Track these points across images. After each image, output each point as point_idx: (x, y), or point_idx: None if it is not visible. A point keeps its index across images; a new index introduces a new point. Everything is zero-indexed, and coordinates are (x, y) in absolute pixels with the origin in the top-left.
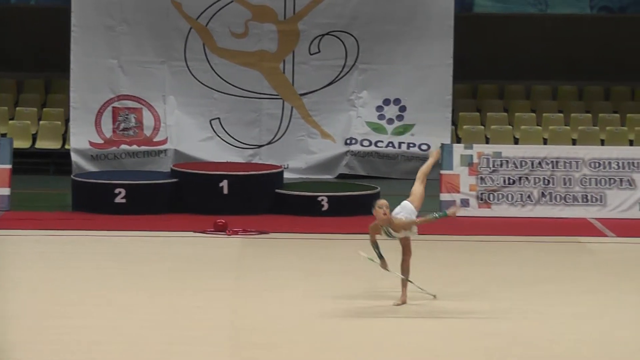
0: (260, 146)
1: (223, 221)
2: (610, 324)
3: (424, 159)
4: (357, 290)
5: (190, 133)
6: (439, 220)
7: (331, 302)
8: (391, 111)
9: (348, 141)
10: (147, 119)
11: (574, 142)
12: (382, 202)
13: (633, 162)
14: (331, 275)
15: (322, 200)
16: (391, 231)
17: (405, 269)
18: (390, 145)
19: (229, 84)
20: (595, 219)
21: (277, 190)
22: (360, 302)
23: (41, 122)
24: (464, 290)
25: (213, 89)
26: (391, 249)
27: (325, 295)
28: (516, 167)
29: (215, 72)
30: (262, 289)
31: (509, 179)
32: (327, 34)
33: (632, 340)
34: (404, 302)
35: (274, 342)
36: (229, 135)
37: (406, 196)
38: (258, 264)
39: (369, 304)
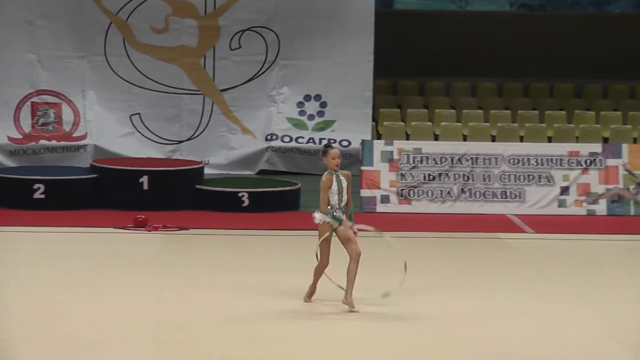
0: (180, 142)
1: (143, 217)
2: (533, 320)
3: (345, 155)
4: (279, 287)
5: (110, 128)
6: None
7: (253, 298)
8: (312, 107)
9: (269, 137)
10: (67, 114)
11: (493, 139)
12: (335, 152)
13: (552, 159)
14: (252, 272)
15: (243, 196)
16: (342, 181)
17: (351, 275)
18: (311, 141)
19: (149, 79)
20: (514, 215)
21: (197, 186)
22: (281, 298)
23: None
24: (384, 288)
25: (133, 84)
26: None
27: (247, 291)
28: (436, 163)
29: (136, 67)
30: (183, 285)
31: (429, 175)
32: (248, 29)
33: (556, 335)
34: (349, 304)
35: (196, 338)
36: (149, 130)
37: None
38: (179, 260)
39: (290, 301)
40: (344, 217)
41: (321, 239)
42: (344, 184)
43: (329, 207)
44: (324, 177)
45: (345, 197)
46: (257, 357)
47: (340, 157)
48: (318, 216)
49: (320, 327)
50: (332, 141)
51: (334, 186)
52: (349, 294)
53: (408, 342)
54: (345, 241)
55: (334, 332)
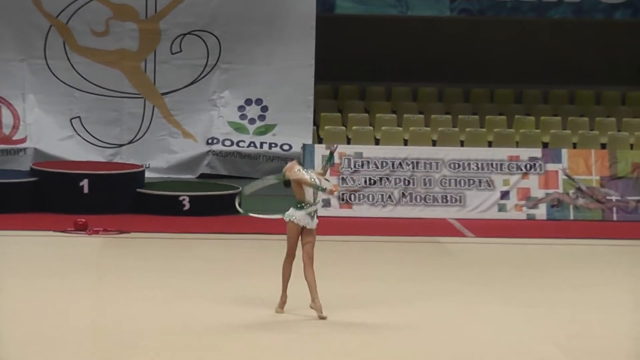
0: (121, 145)
1: (83, 220)
2: (472, 323)
3: (286, 159)
4: (219, 290)
5: (51, 132)
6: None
7: (192, 302)
8: (253, 111)
9: (210, 141)
10: (6, 117)
11: (434, 143)
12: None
13: (492, 163)
14: (193, 275)
15: (184, 199)
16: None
17: (310, 280)
18: (252, 145)
19: (90, 82)
20: (455, 219)
21: (138, 190)
22: (221, 302)
23: None
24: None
25: (73, 87)
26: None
27: (187, 295)
28: (377, 167)
29: (76, 71)
30: (123, 289)
31: (369, 179)
32: (189, 33)
33: (495, 339)
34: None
35: (135, 342)
36: (90, 134)
37: (267, 196)
38: (119, 263)
39: (231, 305)
40: (325, 186)
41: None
42: (317, 182)
43: (305, 204)
44: (296, 173)
45: (319, 196)
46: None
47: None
48: (289, 212)
49: (262, 329)
50: (272, 145)
51: (306, 175)
52: (316, 299)
53: (336, 347)
54: (305, 243)
55: (275, 335)
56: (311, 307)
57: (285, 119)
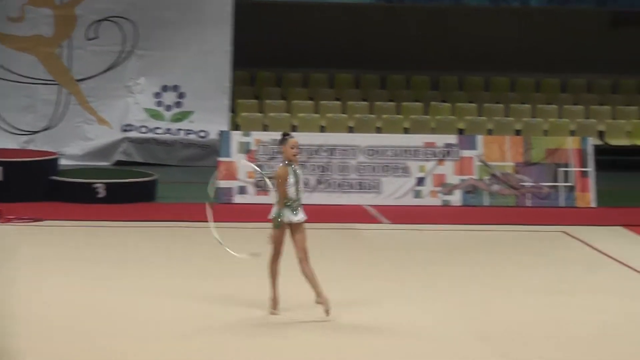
0: (35, 132)
1: None
2: (386, 309)
3: (202, 145)
4: (136, 277)
5: None
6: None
7: (111, 290)
8: (169, 98)
9: (125, 128)
10: None
11: (350, 130)
12: (294, 141)
13: (408, 150)
14: (108, 263)
15: (98, 187)
16: (298, 173)
17: (309, 277)
18: (169, 132)
19: (4, 68)
20: (371, 205)
21: (52, 177)
22: (138, 289)
23: None
24: (243, 281)
25: None
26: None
27: (103, 283)
28: None
29: None
30: (39, 278)
31: None
32: (105, 19)
33: (409, 326)
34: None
35: (51, 331)
36: (4, 120)
37: (183, 183)
38: (34, 252)
39: (151, 292)
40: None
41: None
42: (301, 175)
43: (287, 201)
44: (279, 171)
45: (302, 189)
46: (105, 346)
47: (299, 147)
48: (275, 212)
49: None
50: (189, 132)
51: (291, 179)
52: (321, 293)
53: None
54: (296, 240)
55: (199, 321)
56: (318, 303)
57: (202, 106)
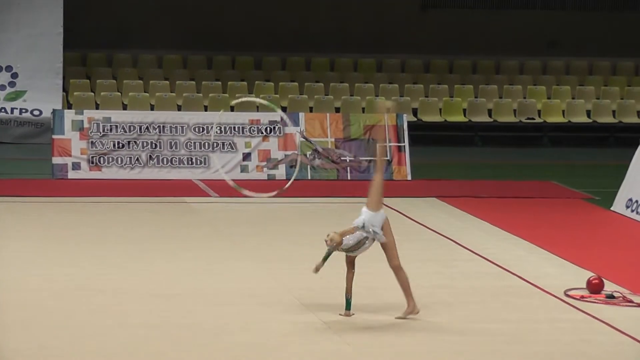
0: None
1: None
2: (216, 277)
3: (36, 123)
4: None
5: None
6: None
7: None
8: (3, 78)
9: None
10: None
11: (179, 108)
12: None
13: (234, 127)
14: None
15: None
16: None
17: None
18: (3, 110)
19: None
20: (200, 180)
21: None
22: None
23: None
24: (76, 249)
25: None
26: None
27: None
28: (125, 131)
29: None
30: None
31: (118, 143)
32: None
33: (238, 291)
34: (411, 313)
35: None
36: None
37: (17, 160)
38: None
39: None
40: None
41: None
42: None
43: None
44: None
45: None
46: None
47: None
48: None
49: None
50: (23, 110)
51: None
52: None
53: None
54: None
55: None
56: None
57: (35, 86)
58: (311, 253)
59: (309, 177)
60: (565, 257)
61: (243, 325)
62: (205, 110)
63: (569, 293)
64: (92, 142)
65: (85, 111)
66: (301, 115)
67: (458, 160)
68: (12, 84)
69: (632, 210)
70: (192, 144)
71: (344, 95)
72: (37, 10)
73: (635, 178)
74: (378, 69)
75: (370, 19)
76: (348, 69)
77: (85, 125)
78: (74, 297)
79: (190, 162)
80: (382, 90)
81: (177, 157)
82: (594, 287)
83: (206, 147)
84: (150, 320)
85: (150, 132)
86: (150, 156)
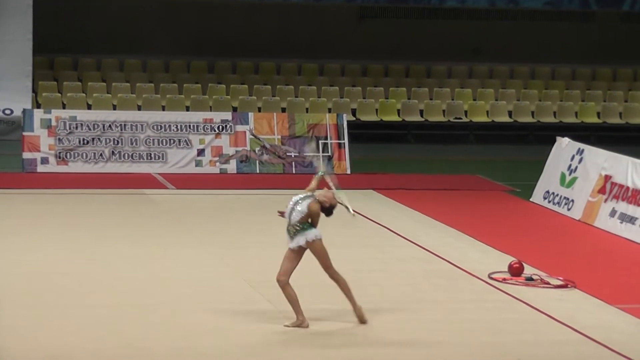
0: None
1: None
2: (171, 263)
3: (8, 122)
4: None
5: None
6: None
7: None
8: None
9: None
10: None
11: (139, 108)
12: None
13: (189, 125)
14: None
15: None
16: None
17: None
18: None
19: None
20: (158, 174)
21: None
22: None
23: None
24: (44, 236)
25: None
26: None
27: None
28: (89, 129)
29: None
30: None
31: (83, 139)
32: None
33: (190, 276)
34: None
35: None
36: None
37: None
38: None
39: None
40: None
41: None
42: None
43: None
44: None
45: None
46: None
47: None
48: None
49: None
50: None
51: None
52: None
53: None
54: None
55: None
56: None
57: (6, 87)
58: (260, 240)
59: (258, 171)
60: (489, 243)
61: (196, 306)
62: (163, 110)
63: (493, 276)
64: (59, 138)
65: (53, 110)
66: (250, 114)
67: (393, 156)
68: None
69: (549, 201)
70: (151, 141)
71: (289, 96)
72: (9, 18)
73: (551, 172)
74: (320, 72)
75: (313, 27)
76: (293, 73)
77: (53, 123)
78: (42, 280)
79: (149, 158)
80: (324, 92)
81: (137, 153)
82: (515, 271)
83: (164, 144)
84: (110, 300)
85: (112, 129)
86: (112, 152)
